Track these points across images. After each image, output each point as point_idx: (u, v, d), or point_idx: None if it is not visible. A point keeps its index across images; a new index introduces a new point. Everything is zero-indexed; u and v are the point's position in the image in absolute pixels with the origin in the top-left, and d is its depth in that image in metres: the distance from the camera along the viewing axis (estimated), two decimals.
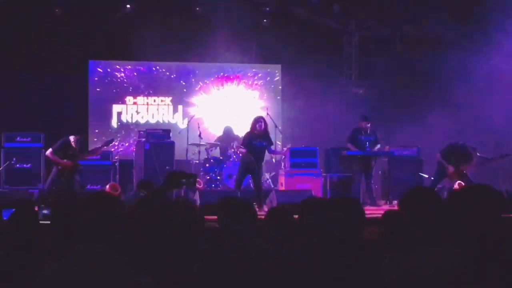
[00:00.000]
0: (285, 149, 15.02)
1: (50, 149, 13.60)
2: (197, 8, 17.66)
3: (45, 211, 5.55)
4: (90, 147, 16.89)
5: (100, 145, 14.52)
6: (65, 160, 13.39)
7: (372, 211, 12.23)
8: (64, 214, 4.32)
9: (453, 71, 16.65)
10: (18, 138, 15.36)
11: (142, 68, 18.22)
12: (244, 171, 13.62)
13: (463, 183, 13.53)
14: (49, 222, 5.10)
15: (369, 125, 14.70)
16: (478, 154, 14.06)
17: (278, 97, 18.56)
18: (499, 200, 2.95)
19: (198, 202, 12.61)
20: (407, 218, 4.07)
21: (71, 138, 13.55)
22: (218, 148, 16.32)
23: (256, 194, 13.33)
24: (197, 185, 14.79)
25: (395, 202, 14.67)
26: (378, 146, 14.95)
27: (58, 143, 13.58)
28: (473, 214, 2.92)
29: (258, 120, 13.68)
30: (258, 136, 13.53)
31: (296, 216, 5.23)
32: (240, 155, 13.91)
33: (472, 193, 3.02)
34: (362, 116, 14.94)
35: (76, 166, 13.56)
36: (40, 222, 5.26)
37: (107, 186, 14.41)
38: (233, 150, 15.49)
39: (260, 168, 13.73)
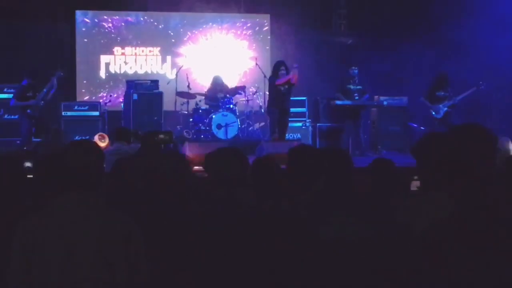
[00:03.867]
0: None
1: (12, 99, 14.15)
2: None
3: (28, 164, 5.46)
4: (78, 99, 16.86)
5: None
6: (30, 101, 13.86)
7: (361, 161, 12.23)
8: (48, 164, 4.28)
9: (445, 17, 16.50)
10: (5, 90, 15.30)
11: (129, 19, 18.03)
12: (277, 116, 14.04)
13: None
14: (31, 176, 5.03)
15: (356, 71, 14.69)
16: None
17: (267, 47, 18.43)
18: (491, 138, 2.88)
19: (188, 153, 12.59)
20: (421, 165, 4.02)
21: (24, 81, 14.07)
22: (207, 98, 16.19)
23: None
24: (186, 135, 14.77)
25: (384, 152, 14.71)
26: (367, 95, 14.93)
27: (15, 91, 14.27)
28: (466, 155, 2.85)
29: (281, 67, 13.97)
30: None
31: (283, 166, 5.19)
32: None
33: (463, 132, 2.93)
34: (349, 63, 14.99)
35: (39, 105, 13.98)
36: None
37: (95, 137, 14.40)
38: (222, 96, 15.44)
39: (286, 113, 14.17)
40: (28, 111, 13.68)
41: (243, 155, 4.99)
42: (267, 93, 14.80)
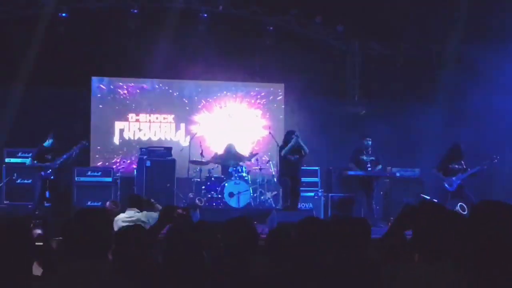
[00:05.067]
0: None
1: (29, 159, 14.05)
2: (201, 26, 17.61)
3: (38, 231, 5.42)
4: (92, 164, 16.89)
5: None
6: (46, 164, 13.84)
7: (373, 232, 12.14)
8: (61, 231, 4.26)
9: (455, 90, 16.55)
10: (19, 154, 15.36)
11: (145, 85, 18.17)
12: (289, 185, 13.92)
13: (464, 205, 13.52)
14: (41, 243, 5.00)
15: (370, 142, 14.72)
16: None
17: (281, 116, 18.51)
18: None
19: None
20: (419, 233, 4.00)
21: (45, 143, 14.09)
22: (219, 166, 16.24)
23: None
24: (198, 203, 14.75)
25: None
26: (380, 166, 14.92)
27: (34, 150, 14.14)
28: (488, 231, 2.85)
29: (291, 136, 14.04)
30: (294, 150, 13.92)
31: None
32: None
33: (486, 209, 2.94)
34: (362, 134, 15.01)
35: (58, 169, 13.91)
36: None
37: (108, 203, 14.37)
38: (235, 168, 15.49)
39: (297, 183, 13.99)
40: (42, 173, 13.70)
41: (252, 226, 4.98)
42: None
